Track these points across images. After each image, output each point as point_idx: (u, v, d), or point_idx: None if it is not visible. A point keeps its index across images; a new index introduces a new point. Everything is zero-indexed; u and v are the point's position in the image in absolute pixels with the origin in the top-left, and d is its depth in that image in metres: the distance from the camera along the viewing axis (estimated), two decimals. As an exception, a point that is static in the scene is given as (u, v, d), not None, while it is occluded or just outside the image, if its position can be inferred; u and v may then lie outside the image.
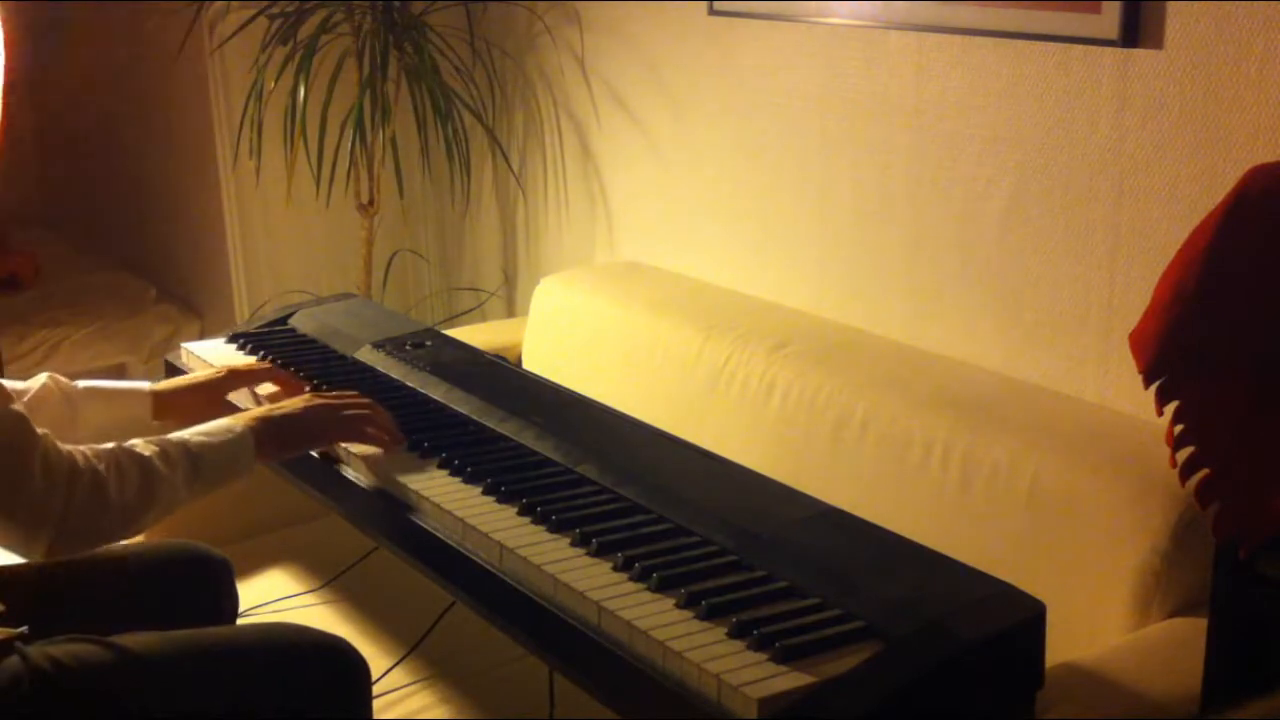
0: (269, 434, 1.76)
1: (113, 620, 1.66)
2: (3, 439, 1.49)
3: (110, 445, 1.61)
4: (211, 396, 1.99)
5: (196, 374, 2.06)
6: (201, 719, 1.61)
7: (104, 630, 1.62)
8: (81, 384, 1.91)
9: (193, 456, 1.67)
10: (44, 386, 1.86)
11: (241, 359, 2.25)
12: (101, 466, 1.57)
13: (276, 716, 1.63)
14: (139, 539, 2.36)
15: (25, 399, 1.83)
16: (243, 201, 3.39)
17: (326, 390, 2.00)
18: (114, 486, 1.57)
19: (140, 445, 1.64)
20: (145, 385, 2.00)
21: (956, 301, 2.24)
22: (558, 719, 1.93)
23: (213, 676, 1.62)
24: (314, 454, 1.89)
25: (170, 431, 1.74)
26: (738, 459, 1.81)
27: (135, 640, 1.61)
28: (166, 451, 1.65)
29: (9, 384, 1.84)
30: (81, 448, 1.58)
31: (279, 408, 1.83)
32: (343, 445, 1.85)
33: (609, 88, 2.93)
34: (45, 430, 1.55)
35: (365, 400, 1.88)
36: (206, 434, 1.71)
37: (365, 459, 1.81)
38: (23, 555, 1.57)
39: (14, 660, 1.54)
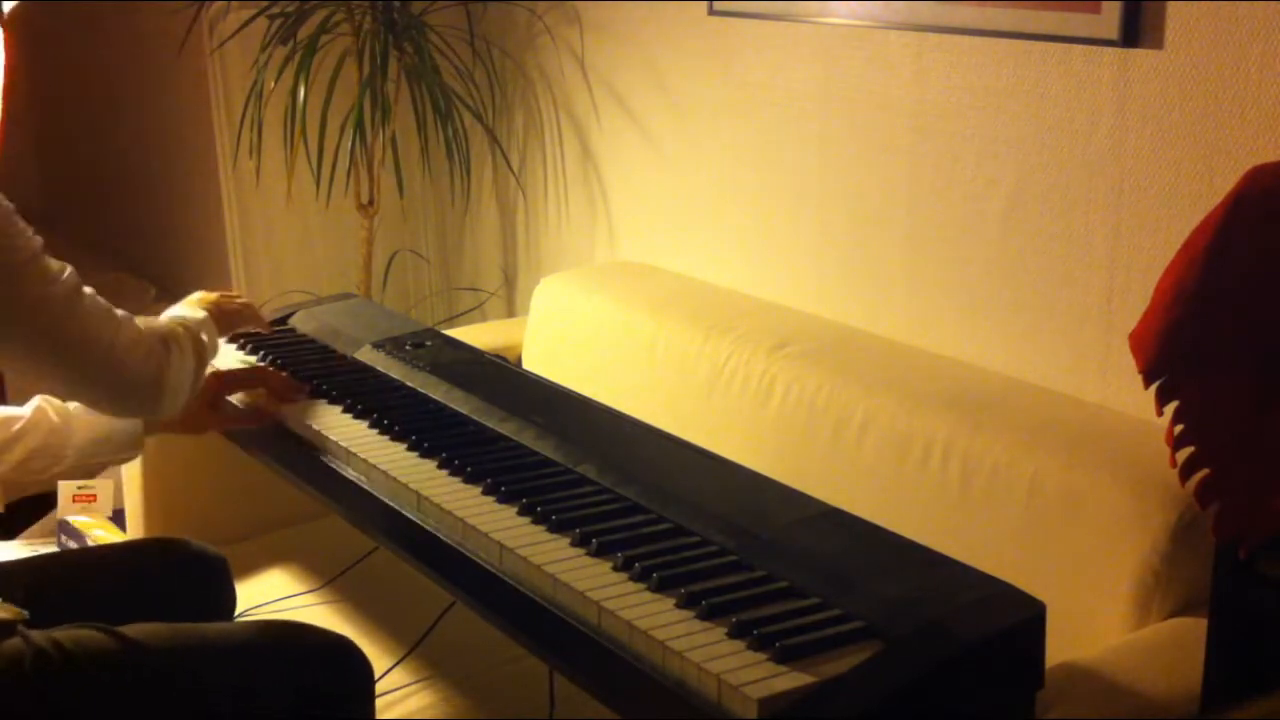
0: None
1: (110, 617, 1.66)
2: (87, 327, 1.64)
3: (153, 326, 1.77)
4: (203, 403, 1.97)
5: None
6: (204, 712, 1.61)
7: (102, 627, 1.63)
8: (74, 403, 1.91)
9: (194, 335, 1.82)
10: (38, 409, 1.88)
11: (242, 359, 2.25)
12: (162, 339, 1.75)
13: (280, 713, 1.63)
14: (137, 538, 2.37)
15: (16, 427, 1.85)
16: (243, 201, 3.39)
17: (327, 389, 2.01)
18: (180, 349, 1.76)
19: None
20: None
21: (956, 301, 2.24)
22: (558, 719, 1.93)
23: (216, 669, 1.62)
24: (301, 449, 1.91)
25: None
26: (738, 459, 1.81)
27: (139, 630, 1.61)
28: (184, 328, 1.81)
29: (1, 411, 1.87)
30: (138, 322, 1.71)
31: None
32: (344, 446, 1.84)
33: (609, 88, 2.93)
34: (123, 312, 1.70)
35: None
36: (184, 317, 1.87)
37: (365, 459, 1.81)
38: (147, 414, 1.81)
39: (16, 641, 1.54)
